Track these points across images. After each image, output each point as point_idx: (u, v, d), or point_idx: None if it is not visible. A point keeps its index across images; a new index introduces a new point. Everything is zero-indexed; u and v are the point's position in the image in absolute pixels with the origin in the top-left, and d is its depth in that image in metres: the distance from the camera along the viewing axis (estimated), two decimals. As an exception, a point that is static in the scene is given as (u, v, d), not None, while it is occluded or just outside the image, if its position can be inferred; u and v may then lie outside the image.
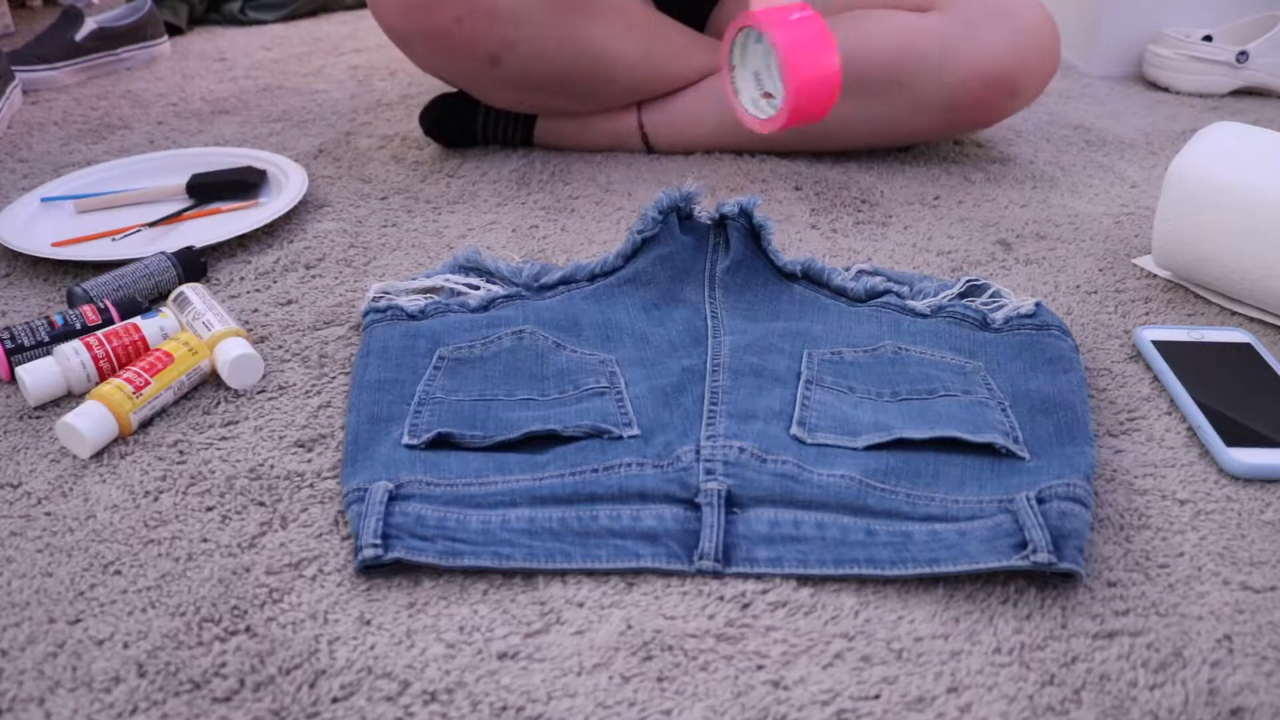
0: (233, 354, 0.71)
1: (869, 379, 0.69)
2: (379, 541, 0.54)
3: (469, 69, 1.03)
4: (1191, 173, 0.79)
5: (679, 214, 0.81)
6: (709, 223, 0.82)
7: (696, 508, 0.58)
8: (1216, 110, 1.30)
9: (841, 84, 0.99)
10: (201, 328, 0.75)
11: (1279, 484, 0.62)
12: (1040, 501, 0.56)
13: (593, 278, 0.81)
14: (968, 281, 0.79)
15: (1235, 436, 0.64)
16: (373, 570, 0.55)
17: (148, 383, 0.67)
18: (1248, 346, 0.74)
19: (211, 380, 0.73)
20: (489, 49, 0.99)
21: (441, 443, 0.63)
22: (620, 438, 0.62)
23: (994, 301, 0.77)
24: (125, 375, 0.67)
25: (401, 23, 1.00)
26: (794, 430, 0.63)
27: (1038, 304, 0.75)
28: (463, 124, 1.15)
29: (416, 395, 0.67)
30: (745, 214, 0.81)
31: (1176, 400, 0.69)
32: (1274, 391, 0.69)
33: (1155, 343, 0.75)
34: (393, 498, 0.58)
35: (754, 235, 0.81)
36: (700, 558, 0.55)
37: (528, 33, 0.99)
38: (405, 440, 0.62)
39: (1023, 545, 0.54)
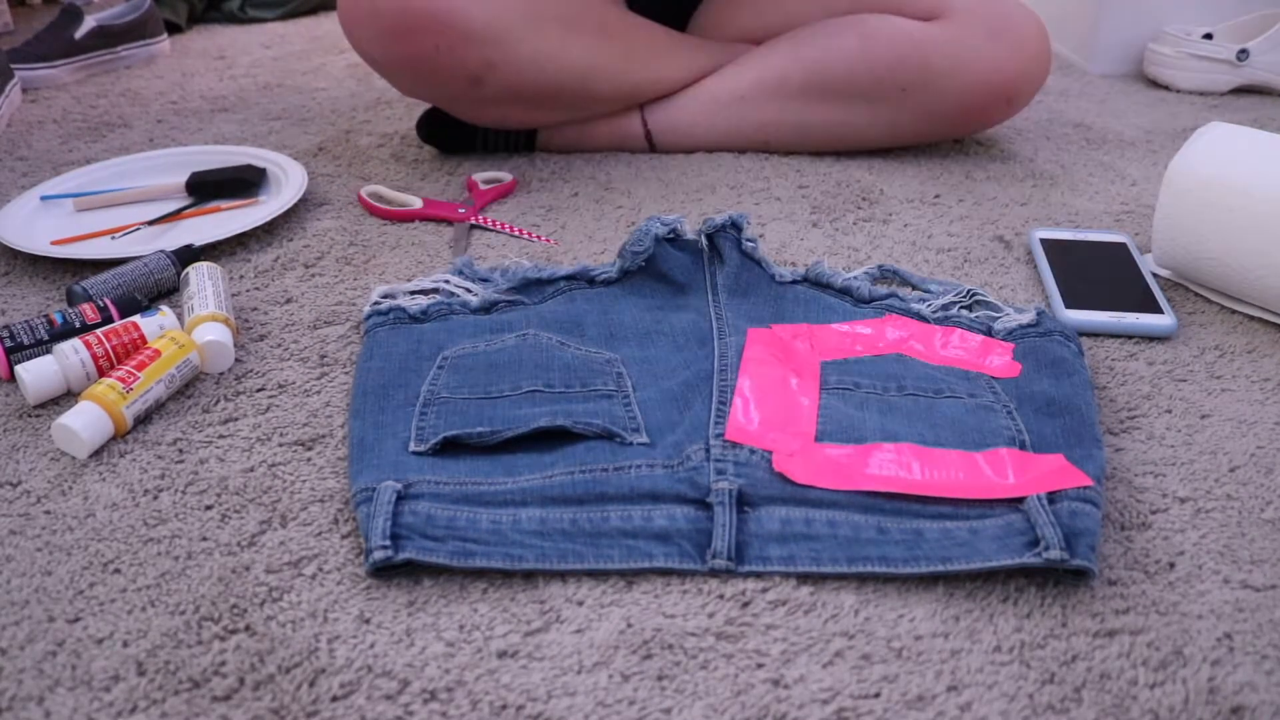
0: (202, 339, 0.73)
1: (874, 374, 0.69)
2: (388, 543, 0.54)
3: (451, 92, 1.02)
4: (1191, 171, 0.79)
5: (670, 237, 0.82)
6: (698, 238, 0.82)
7: (708, 507, 0.57)
8: (1217, 108, 1.30)
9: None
10: (187, 312, 0.76)
11: (1272, 473, 0.62)
12: (1051, 501, 0.56)
13: (593, 282, 0.81)
14: (970, 292, 0.79)
15: (1073, 301, 0.80)
16: (379, 570, 0.55)
17: (136, 378, 0.67)
18: (1122, 246, 0.89)
19: (209, 378, 0.73)
20: (469, 71, 0.99)
21: (449, 445, 0.63)
22: (629, 444, 0.62)
23: (996, 314, 0.77)
24: (115, 375, 0.67)
25: (379, 51, 0.99)
26: None
27: (1039, 312, 0.75)
28: (461, 135, 1.14)
29: (421, 396, 0.67)
30: (735, 226, 0.81)
31: (1042, 279, 0.85)
32: (1125, 276, 0.84)
33: (1042, 240, 0.90)
34: (401, 497, 0.57)
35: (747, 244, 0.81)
36: (713, 556, 0.55)
37: (506, 52, 0.99)
38: (412, 447, 0.62)
39: (1035, 543, 0.54)
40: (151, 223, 0.96)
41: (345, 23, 0.99)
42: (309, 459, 0.65)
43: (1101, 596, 0.54)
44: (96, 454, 0.66)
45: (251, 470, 0.64)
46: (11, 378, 0.74)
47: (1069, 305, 0.79)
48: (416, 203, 0.99)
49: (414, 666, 0.50)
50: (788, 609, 0.53)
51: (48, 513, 0.61)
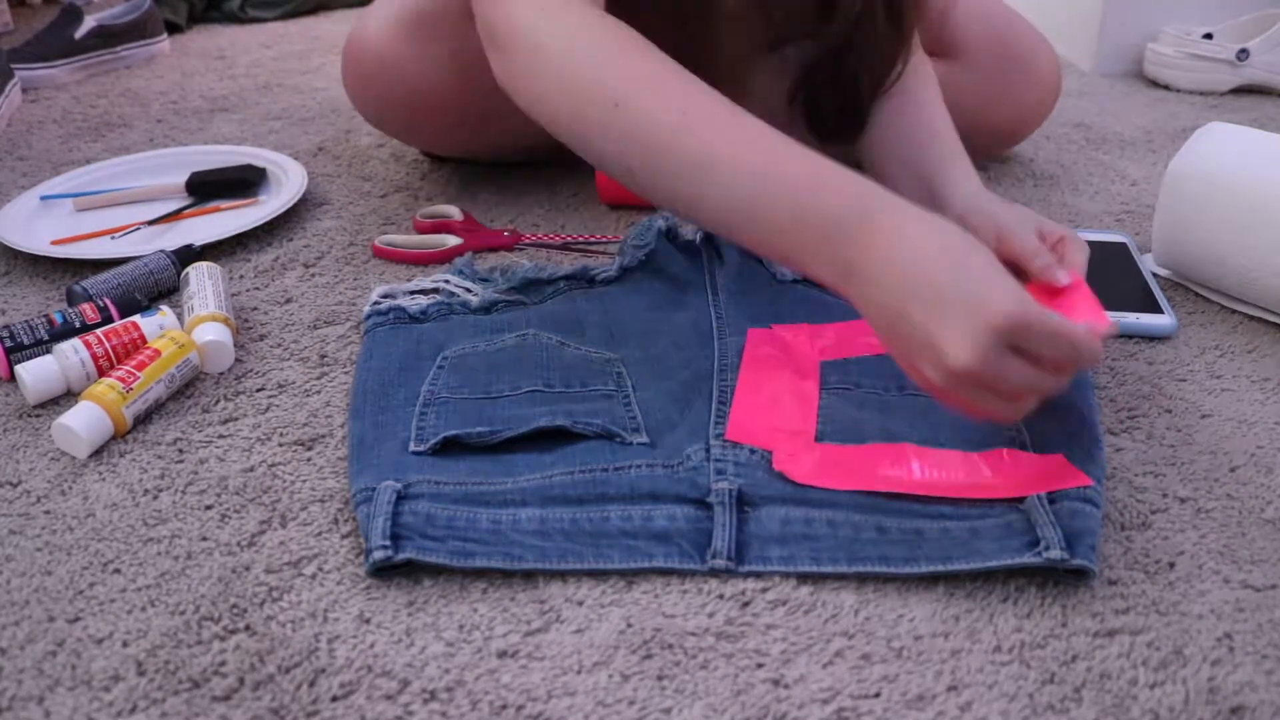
0: (201, 339, 0.73)
1: (874, 374, 0.69)
2: (388, 543, 0.54)
3: (456, 144, 1.04)
4: (1191, 172, 0.79)
5: (669, 235, 0.82)
6: (697, 238, 0.82)
7: (708, 507, 0.57)
8: (1217, 108, 1.30)
9: None
10: (187, 312, 0.77)
11: (1272, 473, 0.62)
12: (1051, 501, 0.56)
13: (593, 281, 0.81)
14: None
15: None
16: (379, 570, 0.55)
17: (136, 378, 0.67)
18: (1122, 245, 0.88)
19: (209, 378, 0.73)
20: (471, 125, 0.98)
21: (449, 445, 0.63)
22: (629, 444, 0.62)
23: None
24: (115, 374, 0.67)
25: (362, 107, 0.99)
26: None
27: None
28: None
29: (421, 396, 0.67)
30: None
31: None
32: (1125, 276, 0.83)
33: None
34: (401, 497, 0.57)
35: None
36: (713, 556, 0.55)
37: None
38: (412, 447, 0.62)
39: (1035, 543, 0.54)
40: (151, 223, 0.96)
41: (344, 81, 0.99)
42: (309, 459, 0.65)
43: (1101, 596, 0.54)
44: (96, 454, 0.66)
45: (251, 470, 0.64)
46: (11, 378, 0.74)
47: None
48: (451, 240, 0.92)
49: (414, 666, 0.50)
50: (788, 609, 0.53)
51: (48, 513, 0.61)
